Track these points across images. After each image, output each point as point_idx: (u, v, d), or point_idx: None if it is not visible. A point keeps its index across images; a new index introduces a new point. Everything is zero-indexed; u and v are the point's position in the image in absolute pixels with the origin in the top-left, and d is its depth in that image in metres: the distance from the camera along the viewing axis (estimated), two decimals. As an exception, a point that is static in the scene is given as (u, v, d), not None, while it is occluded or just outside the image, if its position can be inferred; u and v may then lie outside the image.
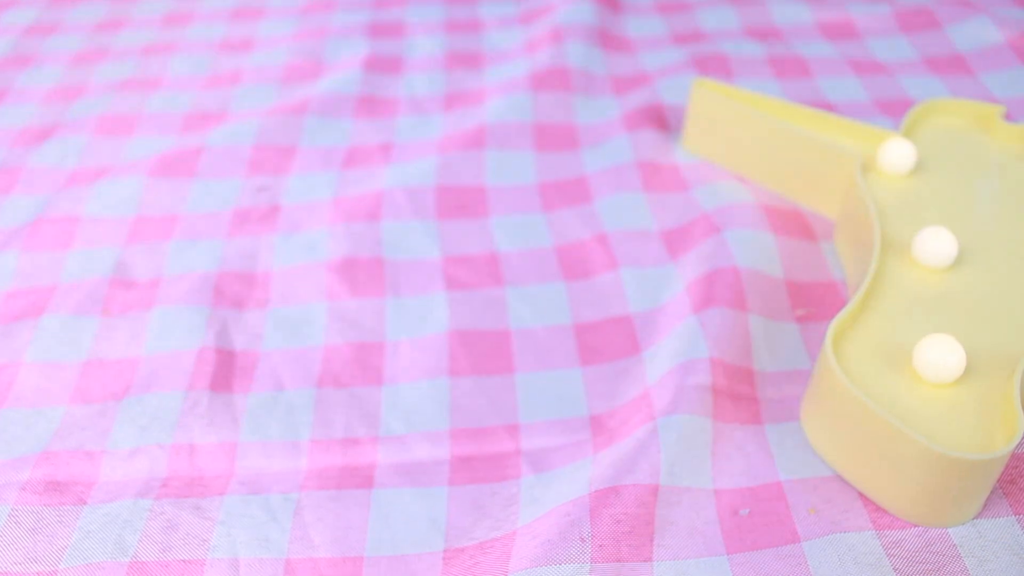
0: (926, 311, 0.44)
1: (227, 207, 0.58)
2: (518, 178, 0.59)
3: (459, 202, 0.57)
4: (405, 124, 0.65)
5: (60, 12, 0.83)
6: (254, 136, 0.64)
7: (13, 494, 0.41)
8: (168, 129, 0.66)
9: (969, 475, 0.37)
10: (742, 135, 0.58)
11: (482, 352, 0.49)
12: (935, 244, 0.45)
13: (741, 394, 0.45)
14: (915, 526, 0.39)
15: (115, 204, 0.59)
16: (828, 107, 0.64)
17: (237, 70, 0.73)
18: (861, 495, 0.41)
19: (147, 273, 0.54)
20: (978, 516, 0.40)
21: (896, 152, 0.51)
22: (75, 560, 0.39)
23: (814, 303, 0.50)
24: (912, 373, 0.41)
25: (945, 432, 0.38)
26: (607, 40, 0.73)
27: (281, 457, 0.43)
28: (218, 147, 0.63)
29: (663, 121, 0.64)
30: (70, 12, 0.83)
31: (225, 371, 0.47)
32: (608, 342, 0.49)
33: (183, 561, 0.39)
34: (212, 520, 0.40)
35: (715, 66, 0.69)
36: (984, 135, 0.55)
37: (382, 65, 0.72)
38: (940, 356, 0.40)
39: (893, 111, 0.63)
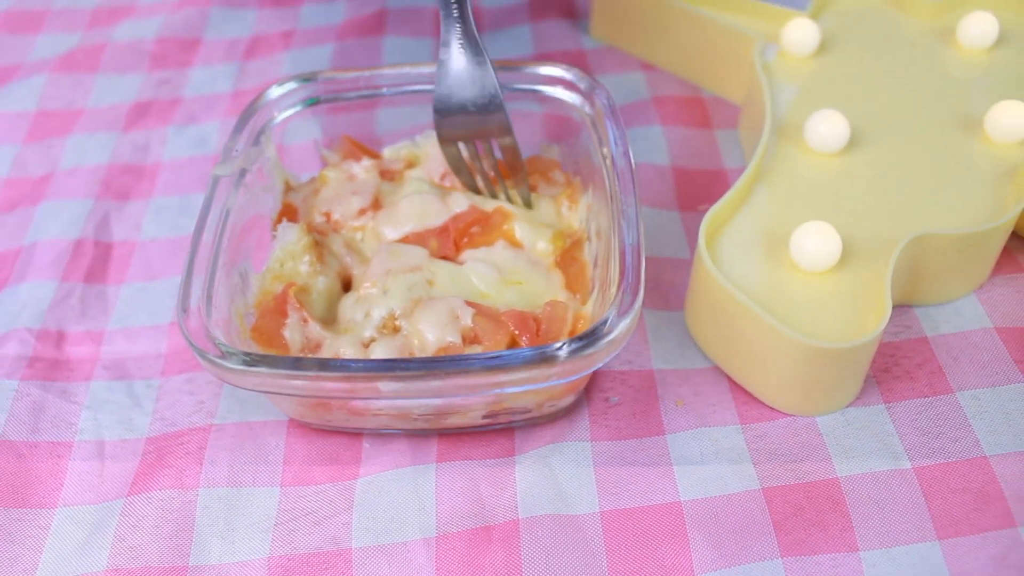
0: (809, 197, 0.42)
1: (127, 100, 0.58)
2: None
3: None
4: (309, 12, 0.64)
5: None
6: (157, 30, 0.63)
7: None
8: (75, 25, 0.65)
9: (835, 363, 0.37)
10: (648, 20, 0.55)
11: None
12: (825, 127, 0.43)
13: None
14: (784, 416, 0.39)
15: (17, 101, 0.58)
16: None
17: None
18: (732, 388, 0.40)
19: (41, 169, 0.54)
20: (849, 405, 0.39)
21: (798, 32, 0.49)
22: None
23: (699, 191, 0.48)
24: (790, 261, 0.39)
25: (819, 321, 0.37)
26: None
27: (144, 342, 0.44)
28: (122, 42, 0.62)
29: (570, 8, 0.62)
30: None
31: (101, 262, 0.48)
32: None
33: (51, 442, 0.40)
34: (79, 404, 0.41)
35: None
36: (899, 12, 0.52)
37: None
38: (815, 243, 0.39)
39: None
